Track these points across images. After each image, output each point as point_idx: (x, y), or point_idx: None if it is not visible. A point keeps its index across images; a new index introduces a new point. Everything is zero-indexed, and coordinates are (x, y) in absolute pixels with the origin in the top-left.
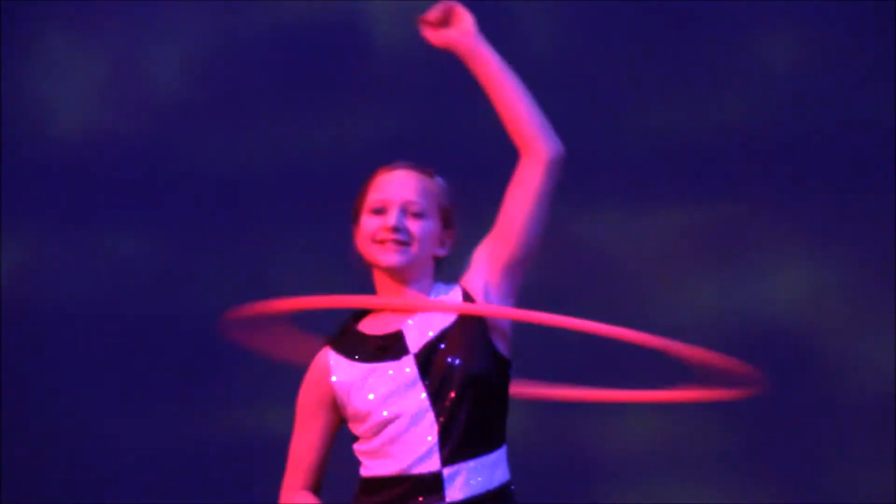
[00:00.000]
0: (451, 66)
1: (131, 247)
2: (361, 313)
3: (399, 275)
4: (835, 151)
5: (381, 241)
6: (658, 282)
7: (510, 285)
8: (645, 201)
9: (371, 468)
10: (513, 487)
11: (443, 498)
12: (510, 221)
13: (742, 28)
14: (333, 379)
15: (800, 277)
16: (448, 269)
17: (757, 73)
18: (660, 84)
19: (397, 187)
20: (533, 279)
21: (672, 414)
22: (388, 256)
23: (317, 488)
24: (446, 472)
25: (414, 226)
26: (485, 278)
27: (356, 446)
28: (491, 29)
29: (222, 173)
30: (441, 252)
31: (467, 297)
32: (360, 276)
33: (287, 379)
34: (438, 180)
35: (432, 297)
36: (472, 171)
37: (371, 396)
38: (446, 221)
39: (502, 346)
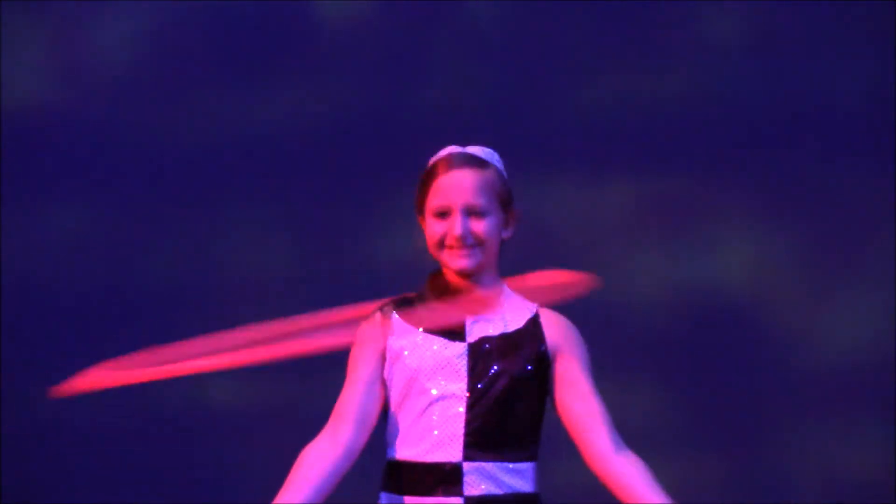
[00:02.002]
0: (399, 41)
1: (76, 220)
2: (442, 290)
3: (472, 273)
4: (783, 124)
5: (450, 247)
6: (608, 254)
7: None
8: (593, 174)
9: (395, 449)
10: None
11: (461, 492)
12: (566, 416)
13: (691, 1)
14: (390, 338)
15: (749, 249)
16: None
17: (707, 46)
18: (609, 57)
19: (457, 191)
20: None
21: (622, 388)
22: (460, 262)
23: (356, 436)
24: (466, 466)
25: (479, 227)
26: (557, 349)
27: (388, 423)
28: (444, 2)
29: (170, 146)
30: (507, 235)
31: (536, 325)
32: (308, 246)
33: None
34: (493, 165)
35: (502, 298)
36: (420, 146)
37: (416, 364)
38: (506, 205)
39: (551, 369)
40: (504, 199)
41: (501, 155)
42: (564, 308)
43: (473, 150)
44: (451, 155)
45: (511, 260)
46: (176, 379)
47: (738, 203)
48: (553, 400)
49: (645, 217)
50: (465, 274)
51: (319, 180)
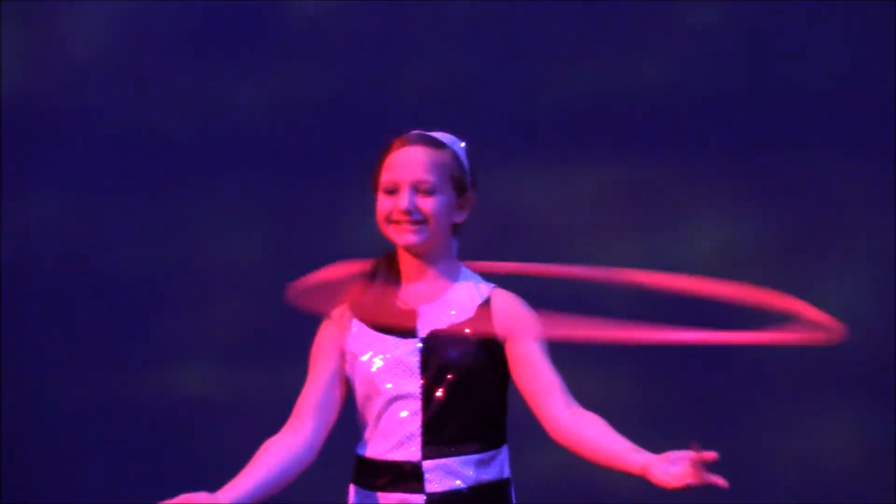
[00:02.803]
0: (375, 27)
1: (48, 206)
2: (387, 276)
3: (418, 251)
4: (756, 111)
5: (397, 222)
6: (580, 241)
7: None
8: (566, 161)
9: (361, 445)
10: (505, 491)
11: (422, 489)
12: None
13: None
14: (348, 337)
15: (722, 237)
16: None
17: (679, 34)
18: (583, 45)
19: (407, 167)
20: (460, 241)
21: (590, 374)
22: (404, 237)
23: (318, 429)
24: (426, 464)
25: (426, 204)
26: (508, 333)
27: (356, 418)
28: None
29: (144, 131)
30: (459, 218)
31: (486, 311)
32: (285, 231)
33: (209, 338)
34: (450, 148)
35: (455, 283)
36: (396, 132)
37: (371, 361)
38: (460, 189)
39: (504, 351)
40: (458, 181)
41: (475, 141)
42: (534, 295)
43: (437, 133)
44: (407, 134)
45: (484, 246)
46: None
47: (711, 191)
48: (515, 381)
49: (618, 204)
50: (412, 251)
51: (296, 165)
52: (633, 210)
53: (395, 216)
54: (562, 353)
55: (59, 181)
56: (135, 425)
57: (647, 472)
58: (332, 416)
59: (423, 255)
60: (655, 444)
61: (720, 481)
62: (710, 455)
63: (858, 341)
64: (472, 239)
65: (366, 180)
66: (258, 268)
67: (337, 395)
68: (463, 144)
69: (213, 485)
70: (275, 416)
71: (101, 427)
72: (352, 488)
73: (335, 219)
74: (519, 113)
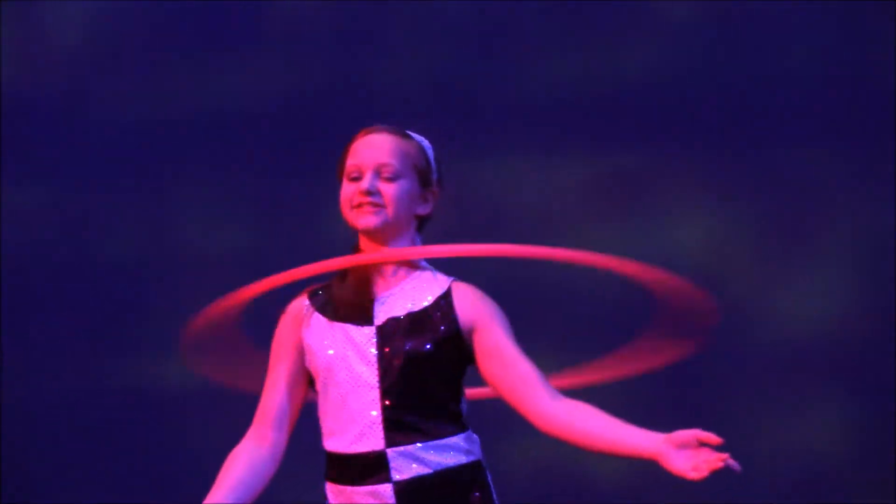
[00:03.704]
0: (358, 17)
1: (34, 198)
2: (345, 273)
3: (378, 236)
4: (738, 103)
5: (358, 206)
6: (564, 232)
7: (472, 351)
8: (550, 152)
9: (325, 440)
10: (475, 474)
11: (389, 478)
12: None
13: None
14: (304, 330)
15: (702, 226)
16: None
17: (663, 24)
18: (566, 35)
19: (371, 151)
20: (438, 230)
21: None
22: (364, 219)
23: (279, 439)
24: (390, 452)
25: (387, 188)
26: (472, 325)
27: (318, 413)
28: None
29: (125, 125)
30: (422, 210)
31: (446, 301)
32: (266, 221)
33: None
34: (416, 140)
35: (413, 273)
36: (379, 121)
37: (330, 352)
38: (424, 180)
39: (468, 344)
40: (422, 173)
41: (462, 130)
42: (514, 284)
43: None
44: (374, 124)
45: (469, 233)
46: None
47: (691, 180)
48: (481, 374)
49: (602, 194)
50: (371, 236)
51: (278, 156)
52: (616, 199)
53: (357, 199)
54: (546, 346)
55: (49, 175)
56: (131, 418)
57: (660, 459)
58: (292, 419)
59: (383, 241)
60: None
61: (733, 464)
62: (715, 440)
63: (836, 333)
64: (456, 227)
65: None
66: (249, 260)
67: (298, 395)
68: (428, 144)
69: (210, 476)
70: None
71: (99, 420)
72: (327, 486)
73: (323, 212)
74: (505, 102)
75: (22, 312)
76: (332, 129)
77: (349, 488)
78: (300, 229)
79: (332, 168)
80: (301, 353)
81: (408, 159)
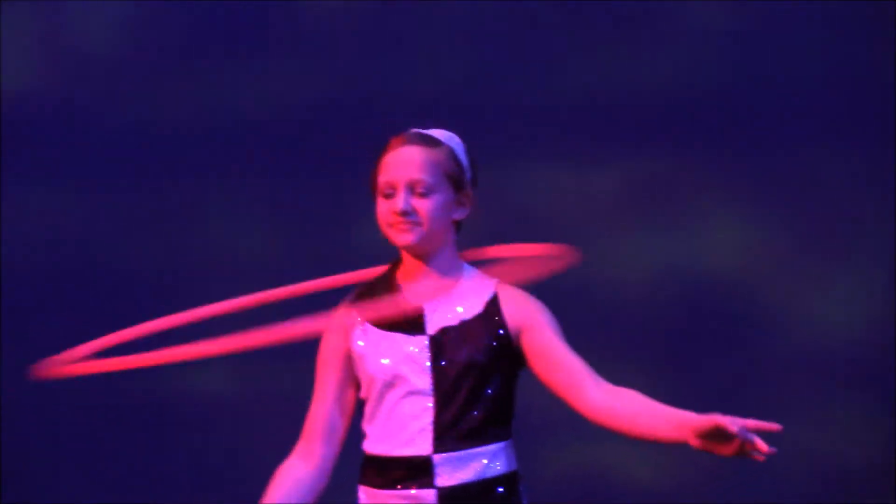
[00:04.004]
0: (384, 23)
1: (61, 205)
2: (393, 277)
3: (418, 250)
4: (774, 107)
5: (393, 225)
6: (593, 239)
7: (520, 354)
8: (579, 159)
9: (370, 444)
10: (515, 484)
11: (433, 484)
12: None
13: None
14: (352, 338)
15: (738, 232)
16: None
17: (693, 28)
18: (593, 41)
19: (401, 168)
20: (466, 239)
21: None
22: (402, 237)
23: (327, 453)
24: (437, 458)
25: (422, 205)
26: (520, 328)
27: (363, 417)
28: None
29: (149, 130)
30: (459, 215)
31: (494, 307)
32: (288, 228)
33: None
34: (446, 145)
35: (460, 280)
36: (404, 129)
37: (383, 361)
38: (458, 185)
39: (517, 346)
40: (455, 179)
41: (490, 136)
42: (547, 289)
43: (433, 131)
44: (402, 134)
45: (495, 241)
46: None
47: (727, 186)
48: (533, 372)
49: (634, 200)
50: (412, 252)
51: (300, 162)
52: (646, 206)
53: (391, 219)
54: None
55: (67, 178)
56: (147, 424)
57: (719, 423)
58: (342, 434)
59: (424, 254)
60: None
61: (762, 446)
62: (774, 426)
63: (869, 339)
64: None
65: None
66: (270, 265)
67: (347, 406)
68: (458, 140)
69: (227, 483)
70: (288, 416)
71: (112, 426)
72: (360, 489)
73: (345, 217)
74: (534, 109)
75: (36, 318)
76: (355, 133)
77: (385, 492)
78: (327, 236)
79: (354, 172)
80: (349, 363)
81: (439, 169)
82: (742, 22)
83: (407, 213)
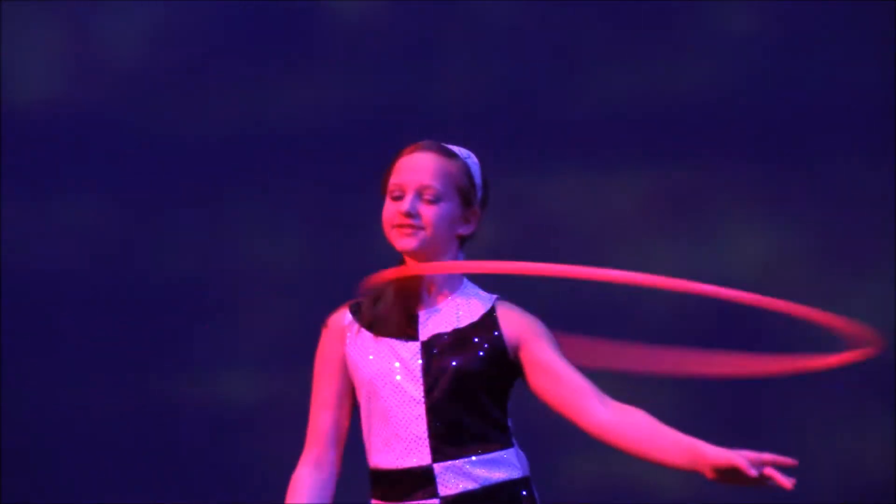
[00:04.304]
0: (412, 36)
1: (93, 214)
2: (388, 288)
3: (418, 257)
4: (794, 119)
5: (398, 226)
6: (618, 249)
7: (520, 369)
8: (603, 168)
9: (371, 457)
10: (522, 490)
11: (436, 493)
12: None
13: None
14: (347, 343)
15: (758, 243)
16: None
17: (715, 39)
18: (618, 50)
19: (413, 172)
20: (490, 248)
21: (627, 382)
22: (403, 241)
23: (334, 457)
24: (437, 467)
25: (427, 211)
26: (518, 342)
27: (362, 430)
28: None
29: (183, 141)
30: (464, 230)
31: (491, 319)
32: (318, 240)
33: (247, 345)
34: (461, 159)
35: (456, 292)
36: (433, 139)
37: (374, 367)
38: (467, 201)
39: (514, 361)
40: (465, 194)
41: (512, 147)
42: (566, 300)
43: (453, 146)
44: (419, 141)
45: (522, 251)
46: (176, 379)
47: (749, 197)
48: (532, 389)
49: (655, 211)
50: (412, 258)
51: (330, 174)
52: (672, 217)
53: (397, 220)
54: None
55: (98, 188)
56: (169, 431)
57: (737, 465)
58: (344, 438)
59: (423, 261)
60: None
61: (784, 483)
62: (790, 461)
63: (892, 350)
64: (509, 244)
65: None
66: (292, 273)
67: (346, 412)
68: (475, 160)
69: (247, 489)
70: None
71: (129, 438)
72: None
73: (371, 226)
74: (556, 120)
75: (69, 327)
76: (388, 144)
77: None
78: (353, 245)
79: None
80: (345, 368)
81: (450, 180)
82: (766, 33)
83: (411, 216)
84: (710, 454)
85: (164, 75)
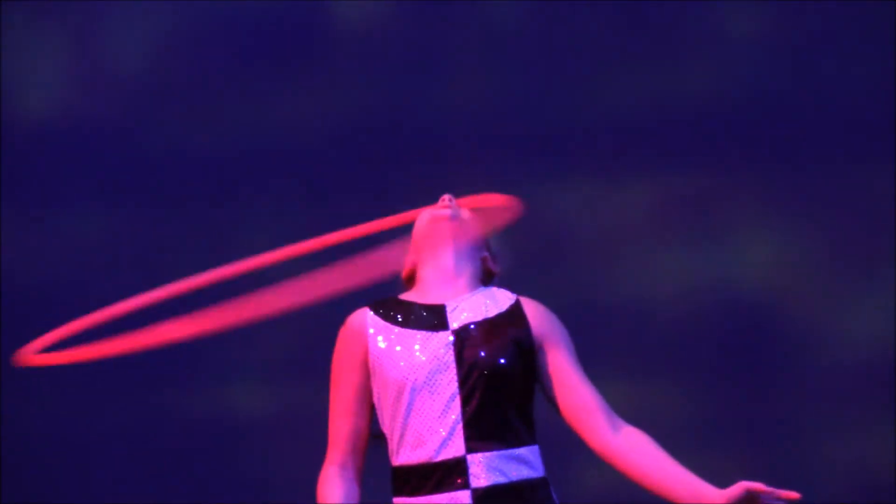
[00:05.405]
0: (417, 43)
1: (96, 226)
2: (412, 283)
3: (451, 245)
4: (806, 124)
5: (437, 209)
6: (628, 256)
7: (536, 364)
8: (614, 176)
9: (399, 455)
10: (542, 489)
11: (467, 484)
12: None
13: (710, 2)
14: (370, 341)
15: (768, 249)
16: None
17: (727, 46)
18: (628, 58)
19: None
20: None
21: (640, 385)
22: (443, 213)
23: (357, 463)
24: (470, 458)
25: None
26: (542, 340)
27: (386, 430)
28: (461, 3)
29: (186, 151)
30: (491, 264)
31: (519, 310)
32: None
33: (257, 356)
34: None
35: (479, 287)
36: (439, 145)
37: (403, 363)
38: (494, 255)
39: (535, 356)
40: (485, 242)
41: (525, 155)
42: (580, 304)
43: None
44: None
45: (531, 258)
46: (176, 379)
47: (760, 203)
48: (545, 393)
49: (667, 217)
50: (450, 219)
51: (336, 181)
52: (679, 223)
53: (438, 203)
54: (602, 362)
55: (101, 198)
56: (164, 435)
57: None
58: (367, 439)
59: (455, 260)
60: (700, 452)
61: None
62: (794, 495)
63: None
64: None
65: (410, 193)
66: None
67: (366, 417)
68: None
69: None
70: (320, 433)
71: (129, 438)
72: (396, 501)
73: (383, 236)
74: (569, 127)
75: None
76: (396, 156)
77: (420, 499)
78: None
79: (395, 194)
80: (366, 369)
81: (473, 224)
82: (776, 40)
83: (451, 200)
84: (715, 497)
85: (165, 87)
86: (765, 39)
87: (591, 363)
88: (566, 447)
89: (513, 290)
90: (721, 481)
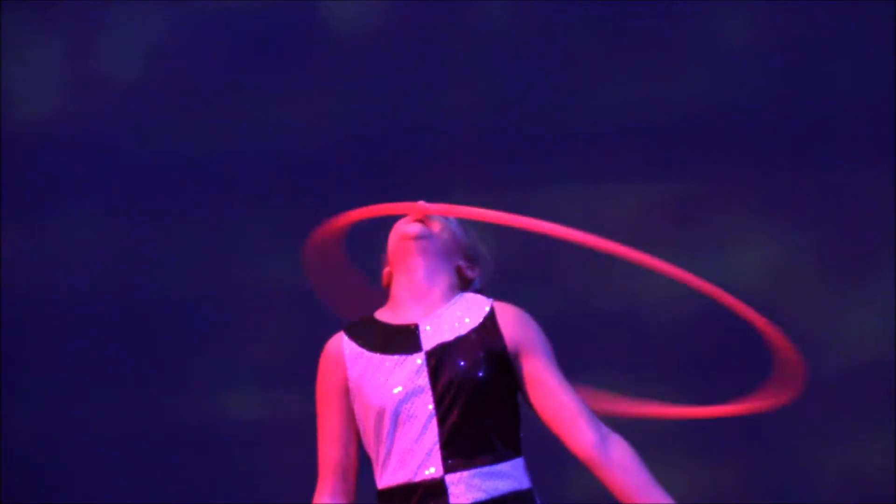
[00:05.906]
0: (411, 48)
1: (92, 231)
2: (385, 304)
3: (423, 249)
4: (796, 128)
5: (407, 223)
6: (619, 261)
7: (513, 369)
8: (607, 179)
9: (380, 478)
10: (535, 499)
11: (447, 503)
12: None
13: (701, 6)
14: (349, 368)
15: (758, 253)
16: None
17: (718, 50)
18: (621, 62)
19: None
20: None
21: (632, 391)
22: (409, 227)
23: (349, 487)
24: (448, 478)
25: (434, 224)
26: (518, 348)
27: (371, 453)
28: (452, 7)
29: (183, 158)
30: (463, 265)
31: (491, 321)
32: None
33: (248, 362)
34: (450, 227)
35: (451, 300)
36: (432, 151)
37: (380, 385)
38: (467, 252)
39: (514, 366)
40: (466, 247)
41: (517, 157)
42: (571, 309)
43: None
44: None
45: (518, 264)
46: (175, 380)
47: (753, 206)
48: (526, 400)
49: (654, 221)
50: (415, 238)
51: (333, 191)
52: (672, 226)
53: (410, 217)
54: (594, 367)
55: (98, 205)
56: (163, 436)
57: None
58: (355, 465)
59: (425, 275)
60: (693, 458)
61: None
62: None
63: None
64: (510, 255)
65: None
66: (294, 291)
67: (353, 442)
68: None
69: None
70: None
71: (129, 438)
72: None
73: (373, 243)
74: (562, 130)
75: (75, 345)
76: (390, 160)
77: None
78: (358, 262)
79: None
80: (347, 396)
81: (449, 224)
82: (769, 44)
83: (425, 210)
84: None
85: (162, 93)
86: (756, 44)
87: (582, 368)
88: (563, 451)
89: (494, 294)
90: (714, 488)
